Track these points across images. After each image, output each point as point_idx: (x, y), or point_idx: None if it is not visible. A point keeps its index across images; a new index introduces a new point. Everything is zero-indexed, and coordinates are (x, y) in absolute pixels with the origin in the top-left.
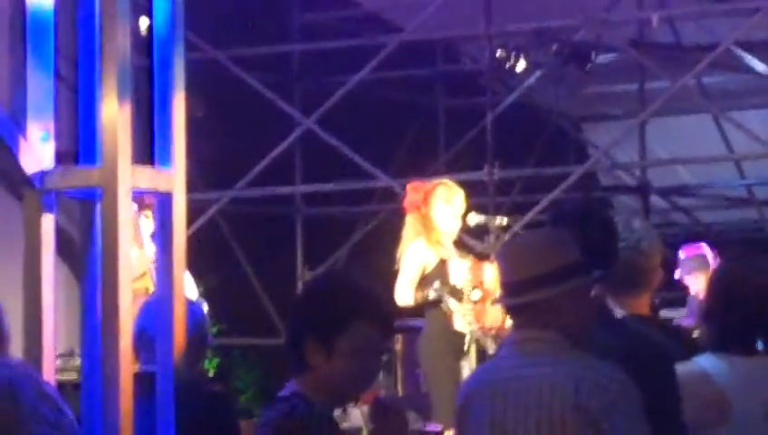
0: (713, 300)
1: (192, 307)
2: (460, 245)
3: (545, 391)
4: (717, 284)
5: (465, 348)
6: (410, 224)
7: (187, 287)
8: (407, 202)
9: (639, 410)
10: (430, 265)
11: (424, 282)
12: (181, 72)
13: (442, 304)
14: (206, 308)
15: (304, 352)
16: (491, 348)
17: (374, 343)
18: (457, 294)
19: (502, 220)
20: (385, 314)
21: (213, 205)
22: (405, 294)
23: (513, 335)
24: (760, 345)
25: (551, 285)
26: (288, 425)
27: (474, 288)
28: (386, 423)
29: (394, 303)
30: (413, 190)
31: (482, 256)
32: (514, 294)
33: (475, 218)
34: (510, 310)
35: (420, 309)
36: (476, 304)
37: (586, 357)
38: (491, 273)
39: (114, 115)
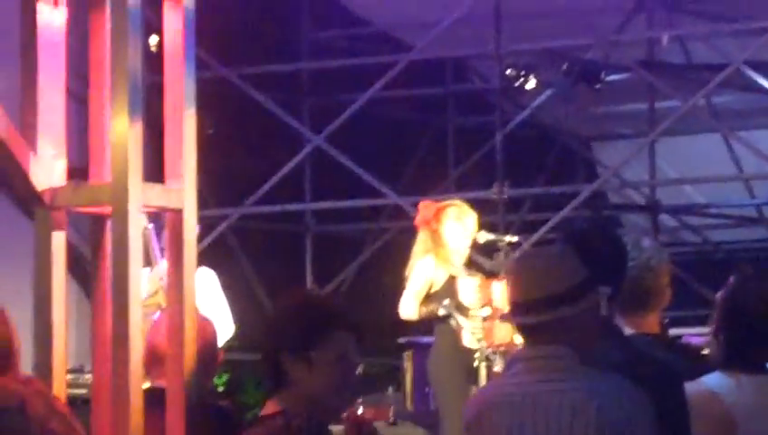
0: (721, 319)
1: (203, 323)
2: (470, 263)
3: (566, 408)
4: (726, 302)
5: (475, 365)
6: (421, 240)
7: (220, 302)
8: (418, 219)
9: (653, 424)
10: (438, 282)
11: (431, 298)
12: (192, 89)
13: (451, 321)
14: (231, 326)
15: (284, 369)
16: (499, 365)
17: (351, 352)
18: (466, 311)
19: (511, 238)
20: (357, 323)
21: (223, 221)
22: (409, 307)
23: (524, 352)
24: None
25: (565, 304)
26: None
27: (483, 306)
28: None
29: (397, 315)
30: (425, 208)
31: (491, 274)
32: (529, 313)
33: (484, 236)
34: (522, 328)
35: (429, 326)
36: (485, 322)
37: (600, 373)
38: (500, 291)
39: (125, 132)
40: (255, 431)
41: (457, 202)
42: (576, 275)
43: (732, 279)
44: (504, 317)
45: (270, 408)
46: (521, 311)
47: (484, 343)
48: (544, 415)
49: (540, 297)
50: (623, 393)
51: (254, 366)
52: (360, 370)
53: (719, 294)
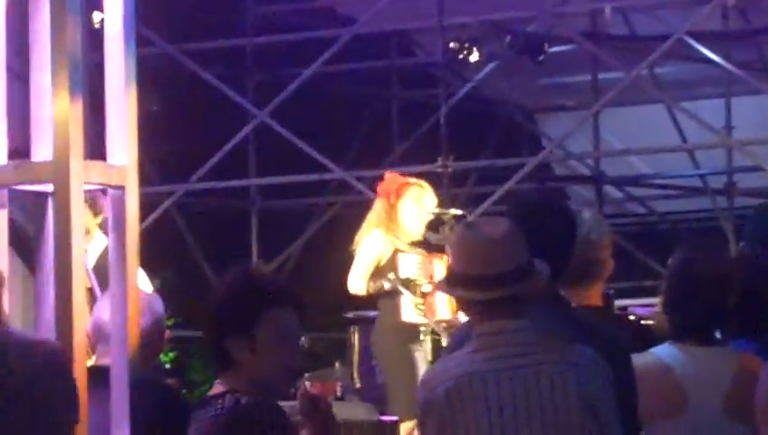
0: (671, 291)
1: (150, 300)
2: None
3: (544, 381)
4: (675, 275)
5: (421, 337)
6: (376, 210)
7: (142, 282)
8: (380, 188)
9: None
10: (385, 257)
11: (378, 273)
12: (133, 67)
13: (395, 295)
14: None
15: (228, 351)
16: (444, 340)
17: (293, 329)
18: (410, 286)
19: (456, 212)
20: (297, 298)
21: (168, 198)
22: (357, 283)
23: (485, 327)
24: (717, 335)
25: (526, 278)
26: (240, 415)
27: (424, 282)
28: (314, 414)
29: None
30: (390, 179)
31: (436, 248)
32: (490, 287)
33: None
34: (481, 303)
35: (375, 300)
36: (427, 297)
37: (567, 344)
38: (441, 267)
39: (66, 110)
40: (203, 412)
41: (422, 183)
42: (526, 248)
43: (678, 253)
44: (456, 291)
45: (217, 388)
46: (481, 285)
47: (424, 320)
48: (523, 389)
49: (503, 271)
50: (596, 364)
51: (202, 344)
52: (305, 345)
53: (667, 268)
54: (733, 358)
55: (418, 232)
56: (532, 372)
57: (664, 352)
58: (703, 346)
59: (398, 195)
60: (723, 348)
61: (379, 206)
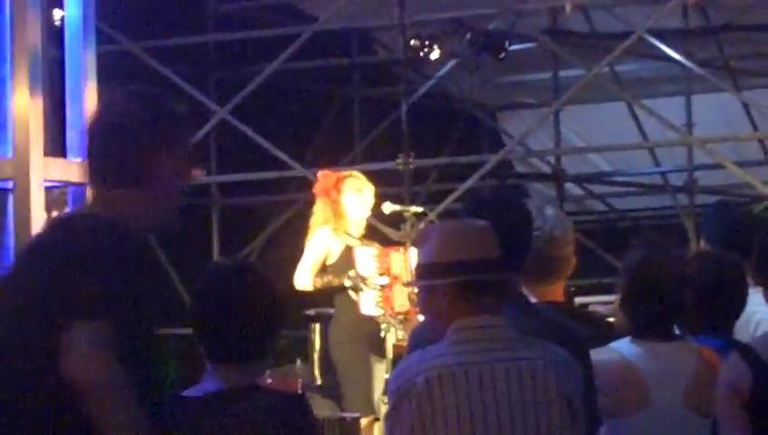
0: (630, 287)
1: None
2: (375, 233)
3: (525, 374)
4: (634, 271)
5: (382, 335)
6: (319, 210)
7: None
8: (317, 188)
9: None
10: (334, 253)
11: (327, 269)
12: (92, 63)
13: (351, 291)
14: None
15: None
16: (399, 332)
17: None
18: (365, 280)
19: (417, 209)
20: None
21: None
22: (303, 278)
23: (467, 322)
24: (676, 331)
25: (504, 268)
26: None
27: (381, 275)
28: None
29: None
30: (324, 177)
31: (397, 244)
32: (489, 270)
33: (390, 207)
34: (471, 293)
35: (332, 296)
36: (383, 290)
37: (541, 341)
38: (399, 260)
39: (26, 107)
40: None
41: (356, 173)
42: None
43: (633, 250)
44: (441, 280)
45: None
46: (480, 268)
47: (383, 312)
48: (505, 382)
49: (498, 256)
50: (570, 363)
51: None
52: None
53: (624, 265)
54: (692, 352)
55: (364, 220)
56: (514, 367)
57: (625, 347)
58: (663, 342)
59: (338, 189)
60: (682, 343)
61: (320, 205)
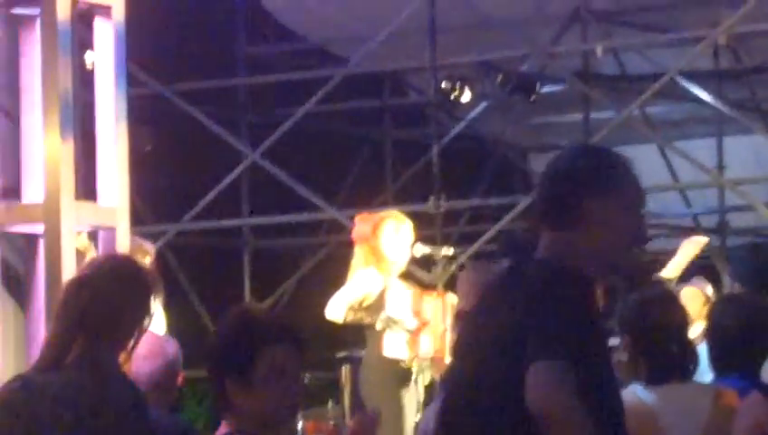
0: (642, 336)
1: (161, 343)
2: (407, 275)
3: None
4: (638, 322)
5: (414, 377)
6: (359, 256)
7: (156, 324)
8: (355, 234)
9: None
10: (373, 295)
11: (364, 308)
12: (123, 106)
13: (383, 332)
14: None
15: (227, 391)
16: (428, 377)
17: (290, 365)
18: (396, 323)
19: (448, 250)
20: (294, 333)
21: (160, 238)
22: (338, 309)
23: None
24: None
25: None
26: None
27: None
28: None
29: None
30: (361, 222)
31: (429, 287)
32: None
33: (421, 249)
34: None
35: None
36: (412, 333)
37: None
38: (431, 304)
39: (57, 151)
40: None
41: (393, 213)
42: None
43: (633, 299)
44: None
45: (221, 429)
46: None
47: (409, 356)
48: None
49: None
50: None
51: (196, 384)
52: (305, 381)
53: (621, 320)
54: (708, 393)
55: (406, 260)
56: None
57: (640, 390)
58: (679, 383)
59: (376, 234)
60: (697, 383)
61: (360, 251)
